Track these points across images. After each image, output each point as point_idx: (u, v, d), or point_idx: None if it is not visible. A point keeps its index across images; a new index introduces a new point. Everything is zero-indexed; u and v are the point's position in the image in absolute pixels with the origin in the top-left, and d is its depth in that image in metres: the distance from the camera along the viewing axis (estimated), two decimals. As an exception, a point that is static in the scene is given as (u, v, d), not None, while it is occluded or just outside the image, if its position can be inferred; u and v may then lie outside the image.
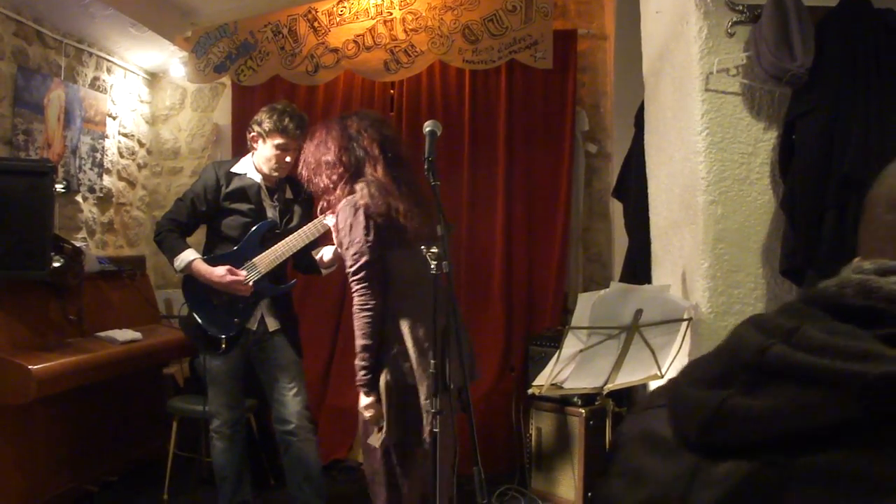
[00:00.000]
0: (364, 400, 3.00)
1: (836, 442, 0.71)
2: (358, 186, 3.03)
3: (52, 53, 5.17)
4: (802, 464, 0.72)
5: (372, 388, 2.98)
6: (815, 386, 0.73)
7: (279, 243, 3.64)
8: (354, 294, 2.98)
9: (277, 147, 3.64)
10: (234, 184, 3.69)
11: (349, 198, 3.04)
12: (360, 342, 2.97)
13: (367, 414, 3.02)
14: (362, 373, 2.98)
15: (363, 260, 2.95)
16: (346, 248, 3.00)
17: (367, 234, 2.94)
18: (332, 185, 3.14)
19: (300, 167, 3.29)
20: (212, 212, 3.69)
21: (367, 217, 2.94)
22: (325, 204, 3.26)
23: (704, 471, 0.79)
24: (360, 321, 2.96)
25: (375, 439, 3.06)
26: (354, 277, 2.97)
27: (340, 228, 3.05)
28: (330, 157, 3.15)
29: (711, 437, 0.80)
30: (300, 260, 3.81)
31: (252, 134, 3.70)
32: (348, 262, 3.00)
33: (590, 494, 2.94)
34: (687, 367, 0.94)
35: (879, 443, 0.69)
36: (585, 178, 5.49)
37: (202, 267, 3.59)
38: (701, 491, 0.79)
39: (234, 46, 5.71)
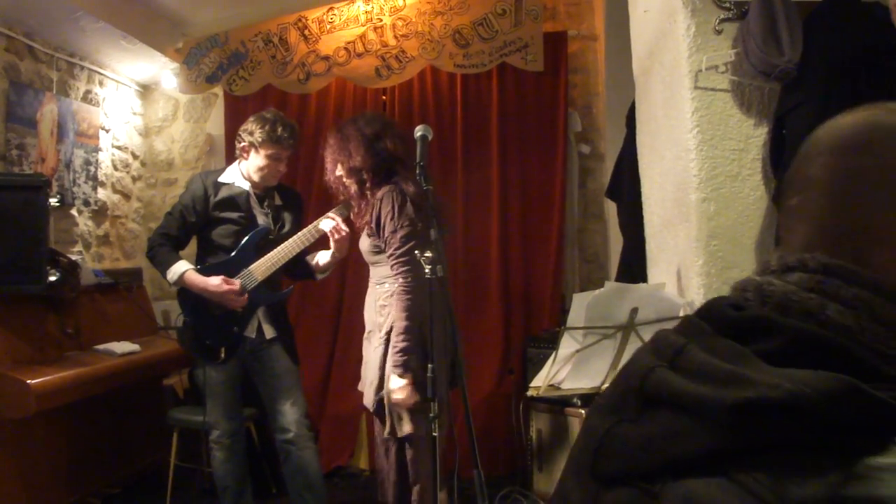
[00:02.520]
0: (398, 382, 3.01)
1: (701, 471, 0.70)
2: (394, 181, 3.11)
3: (43, 68, 5.17)
4: (669, 493, 0.72)
5: (407, 370, 2.99)
6: (684, 413, 0.73)
7: (274, 250, 3.63)
8: (399, 276, 3.05)
9: (269, 157, 3.63)
10: (223, 193, 3.68)
11: (391, 185, 3.10)
12: (402, 323, 3.01)
13: (400, 396, 3.00)
14: (400, 354, 3.00)
15: (411, 244, 3.01)
16: (393, 232, 3.06)
17: (414, 218, 2.96)
18: (363, 189, 3.21)
19: (326, 175, 3.35)
20: (202, 222, 3.68)
21: (413, 203, 2.96)
22: (357, 209, 3.30)
23: (601, 499, 0.80)
24: (404, 302, 3.02)
25: (408, 426, 3.08)
26: (401, 259, 3.04)
27: (385, 214, 3.08)
28: (356, 163, 3.19)
29: (599, 466, 0.81)
30: (294, 266, 3.80)
31: (242, 144, 3.69)
32: (395, 244, 3.05)
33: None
34: (609, 386, 0.93)
35: (733, 471, 0.68)
36: (579, 179, 5.50)
37: (195, 277, 3.57)
38: None
39: (226, 56, 5.72)
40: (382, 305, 3.21)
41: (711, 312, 0.84)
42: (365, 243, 3.28)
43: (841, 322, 0.75)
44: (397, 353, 3.01)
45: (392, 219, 3.07)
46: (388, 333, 3.13)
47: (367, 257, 3.29)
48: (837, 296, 0.77)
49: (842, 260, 0.79)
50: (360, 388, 3.38)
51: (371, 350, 3.24)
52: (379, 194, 3.14)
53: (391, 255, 3.09)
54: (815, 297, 0.77)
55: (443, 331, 2.75)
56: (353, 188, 3.26)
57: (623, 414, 0.80)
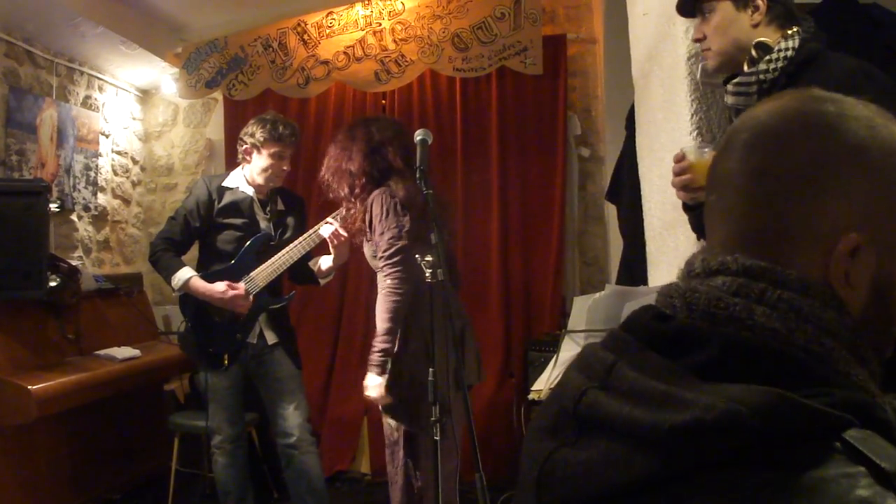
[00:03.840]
0: (374, 380, 3.05)
1: (643, 496, 0.68)
2: (385, 184, 3.13)
3: (43, 73, 5.18)
4: None
5: (384, 369, 3.03)
6: (619, 438, 0.70)
7: (276, 255, 3.64)
8: (386, 277, 3.06)
9: (273, 156, 3.64)
10: (227, 198, 3.68)
11: (382, 189, 3.12)
12: (384, 325, 3.03)
13: (375, 393, 3.06)
14: (379, 354, 3.03)
15: (399, 244, 3.03)
16: (381, 234, 3.08)
17: (402, 221, 2.97)
18: (352, 195, 3.22)
19: (322, 171, 3.36)
20: (205, 227, 3.68)
21: (403, 206, 2.97)
22: (343, 211, 3.32)
23: None
24: (388, 303, 3.04)
25: (395, 429, 3.14)
26: (388, 261, 3.05)
27: (374, 216, 3.10)
28: (354, 167, 3.21)
29: (543, 495, 0.78)
30: (297, 272, 3.81)
31: (245, 147, 3.70)
32: (383, 246, 3.07)
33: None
34: (542, 405, 0.90)
35: (675, 495, 0.66)
36: (579, 182, 5.50)
37: (200, 284, 3.57)
38: None
39: (225, 61, 5.72)
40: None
41: (637, 325, 0.81)
42: (367, 251, 3.28)
43: (769, 326, 0.73)
44: (377, 352, 3.04)
45: (381, 221, 3.09)
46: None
47: (372, 264, 3.29)
48: (762, 299, 0.74)
49: (764, 261, 0.77)
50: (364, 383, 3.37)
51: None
52: (370, 198, 3.15)
53: (380, 256, 3.10)
54: (740, 301, 0.75)
55: (444, 335, 2.75)
56: (344, 190, 3.26)
57: (561, 438, 0.77)
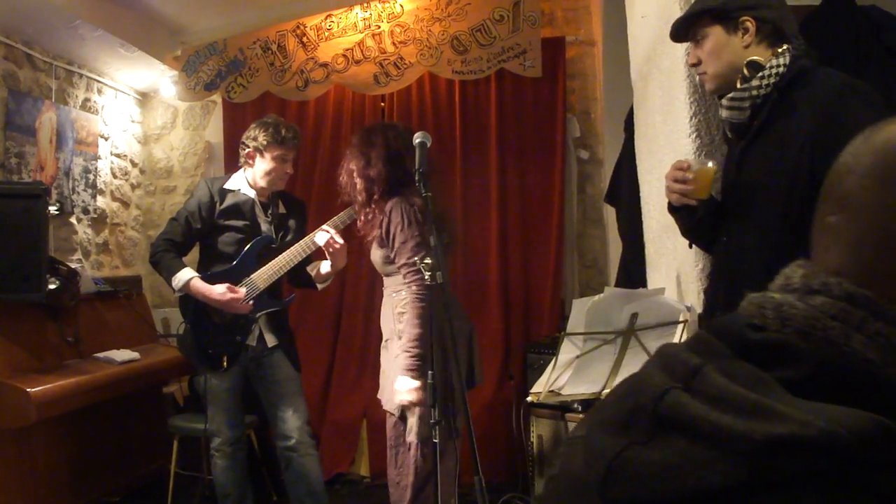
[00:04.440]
0: (411, 383, 3.07)
1: (718, 502, 0.66)
2: (403, 193, 3.18)
3: (42, 76, 5.18)
4: None
5: (420, 374, 3.05)
6: (702, 442, 0.69)
7: (277, 258, 3.64)
8: (412, 284, 3.12)
9: (276, 159, 3.66)
10: (229, 200, 3.69)
11: (399, 197, 3.17)
12: (415, 330, 3.09)
13: (413, 397, 3.08)
14: (415, 359, 3.07)
15: (422, 252, 3.04)
16: (404, 243, 3.13)
17: (423, 229, 2.99)
18: (370, 200, 3.27)
19: (341, 175, 3.38)
20: (207, 229, 3.68)
21: (423, 215, 2.99)
22: (363, 216, 3.35)
23: None
24: (417, 310, 3.10)
25: (413, 434, 3.14)
26: (412, 269, 3.09)
27: (394, 224, 3.15)
28: (373, 173, 3.26)
29: (609, 490, 0.76)
30: (296, 275, 3.82)
31: (247, 150, 3.70)
32: (406, 254, 3.11)
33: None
34: (605, 398, 0.89)
35: None
36: (578, 185, 5.50)
37: (201, 285, 3.58)
38: None
39: (224, 64, 5.73)
40: (401, 313, 3.24)
41: (728, 332, 0.79)
42: (377, 255, 3.31)
43: (865, 355, 0.71)
44: (412, 357, 3.08)
45: (402, 230, 3.14)
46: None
47: (381, 268, 3.33)
48: (861, 327, 0.72)
49: (870, 292, 0.74)
50: (378, 395, 3.39)
51: (391, 358, 3.25)
52: (388, 206, 3.19)
53: (403, 264, 3.15)
54: (838, 325, 0.73)
55: (449, 337, 2.78)
56: (362, 195, 3.30)
57: (633, 436, 0.75)
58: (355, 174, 3.32)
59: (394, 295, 3.27)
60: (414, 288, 3.12)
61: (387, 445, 3.31)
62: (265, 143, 3.65)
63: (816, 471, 0.64)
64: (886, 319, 0.73)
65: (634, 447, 0.74)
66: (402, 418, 3.21)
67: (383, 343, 3.37)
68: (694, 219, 2.34)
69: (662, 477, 0.70)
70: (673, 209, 2.39)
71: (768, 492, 0.65)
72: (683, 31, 2.30)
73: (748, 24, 2.14)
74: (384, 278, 3.36)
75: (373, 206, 3.28)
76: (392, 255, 3.21)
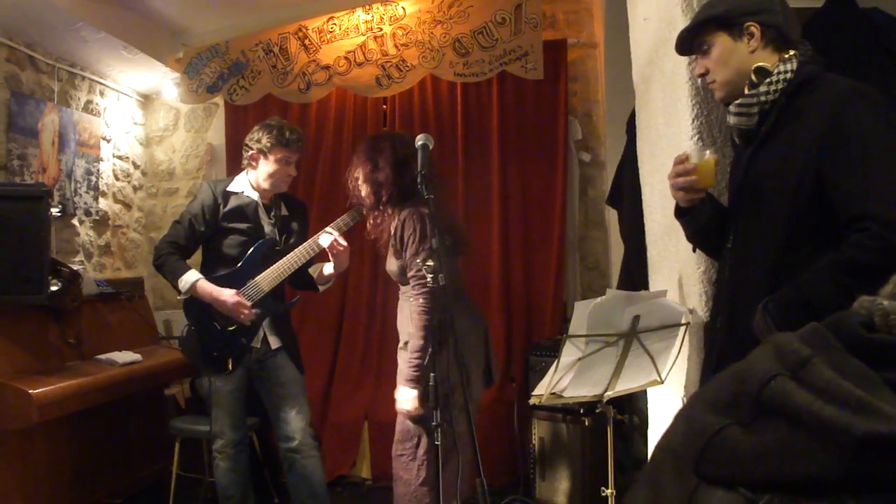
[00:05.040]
0: (409, 393, 3.19)
1: (809, 492, 0.68)
2: (410, 204, 3.27)
3: (44, 78, 5.18)
4: None
5: (419, 383, 3.16)
6: (803, 431, 0.70)
7: (281, 261, 3.64)
8: (419, 296, 3.20)
9: (279, 161, 3.66)
10: (232, 202, 3.69)
11: (412, 209, 3.25)
12: (418, 342, 3.18)
13: (409, 406, 3.19)
14: (414, 370, 3.18)
15: (431, 265, 3.08)
16: (415, 254, 3.21)
17: (433, 242, 3.02)
18: (379, 204, 3.35)
19: (349, 179, 3.47)
20: (210, 232, 3.68)
21: (433, 226, 3.01)
22: (372, 220, 3.44)
23: (701, 496, 0.77)
24: (421, 321, 3.18)
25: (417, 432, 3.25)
26: (421, 281, 3.16)
27: (407, 236, 3.24)
28: (381, 177, 3.33)
29: (704, 465, 0.78)
30: (298, 277, 3.82)
31: (251, 152, 3.70)
32: (416, 267, 3.19)
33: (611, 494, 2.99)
34: (713, 380, 0.89)
35: (844, 501, 0.66)
36: (580, 187, 5.50)
37: (208, 286, 3.58)
38: None
39: (226, 66, 5.73)
40: (407, 317, 3.31)
41: (840, 327, 0.79)
42: (393, 265, 3.38)
43: None
44: (412, 367, 3.17)
45: (413, 242, 3.22)
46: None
47: (398, 279, 3.40)
48: None
49: None
50: (396, 395, 3.42)
51: (403, 360, 3.30)
52: (402, 216, 3.26)
53: (413, 275, 3.23)
54: None
55: (451, 340, 2.81)
56: (370, 199, 3.37)
57: (735, 416, 0.77)
58: (361, 179, 3.39)
59: (411, 300, 3.30)
60: (421, 300, 3.19)
61: (394, 442, 3.36)
62: (269, 145, 3.65)
63: None
64: None
65: (734, 427, 0.76)
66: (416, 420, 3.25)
67: (400, 345, 3.40)
68: (699, 223, 2.34)
69: (758, 460, 0.72)
70: (679, 213, 2.39)
71: (864, 489, 0.65)
72: (688, 42, 2.32)
73: (753, 29, 2.15)
74: (388, 285, 3.41)
75: (381, 209, 3.35)
76: (405, 265, 3.29)
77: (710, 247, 2.48)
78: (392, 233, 3.30)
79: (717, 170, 2.27)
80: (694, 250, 2.56)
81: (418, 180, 2.82)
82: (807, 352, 0.76)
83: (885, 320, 0.77)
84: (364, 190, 3.39)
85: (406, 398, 3.20)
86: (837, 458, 0.66)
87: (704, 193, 2.30)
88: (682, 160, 2.25)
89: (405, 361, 3.26)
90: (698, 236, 2.43)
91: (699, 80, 2.54)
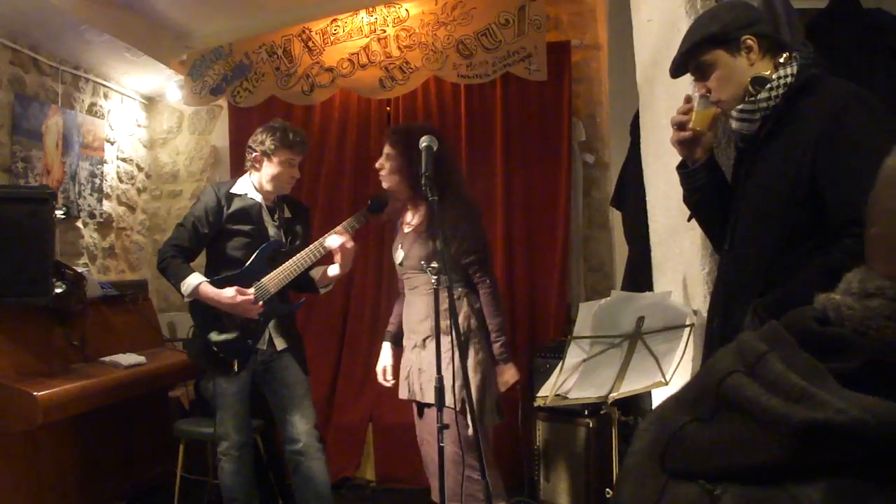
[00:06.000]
0: (513, 369, 3.38)
1: (760, 480, 0.72)
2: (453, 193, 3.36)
3: (48, 80, 5.19)
4: (728, 497, 0.74)
5: (511, 356, 3.41)
6: (753, 423, 0.74)
7: (287, 262, 3.64)
8: (489, 280, 3.41)
9: (283, 163, 3.66)
10: (236, 204, 3.69)
11: (459, 200, 3.38)
12: (499, 319, 3.39)
13: (515, 377, 3.41)
14: (506, 347, 3.38)
15: (487, 251, 3.45)
16: (470, 245, 3.38)
17: (438, 243, 3.06)
18: (417, 196, 3.43)
19: (384, 171, 3.49)
20: (214, 234, 3.68)
21: (438, 228, 3.03)
22: (406, 210, 3.56)
23: (668, 490, 0.82)
24: (498, 300, 3.42)
25: (490, 419, 3.41)
26: (486, 266, 3.42)
27: (459, 226, 3.35)
28: (421, 169, 3.29)
29: (668, 459, 0.83)
30: (298, 281, 3.81)
31: (254, 154, 3.70)
32: (474, 256, 3.38)
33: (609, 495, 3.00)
34: (690, 380, 0.95)
35: (790, 486, 0.70)
36: (584, 188, 5.50)
37: (210, 290, 3.57)
38: None
39: (230, 68, 5.74)
40: (445, 309, 3.26)
41: (796, 322, 0.84)
42: (421, 251, 3.39)
43: None
44: (502, 345, 3.36)
45: (469, 233, 3.37)
46: (466, 334, 3.33)
47: (422, 265, 3.35)
48: None
49: None
50: (408, 396, 3.47)
51: (430, 355, 3.25)
52: (448, 207, 3.29)
53: (471, 261, 3.38)
54: (892, 324, 0.77)
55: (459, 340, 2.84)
56: (407, 191, 3.46)
57: (698, 412, 0.82)
58: (397, 170, 3.44)
59: (450, 289, 3.30)
60: (489, 283, 3.39)
61: (426, 434, 3.40)
62: (273, 147, 3.65)
63: (846, 459, 0.68)
64: None
65: (696, 423, 0.81)
66: (463, 411, 3.24)
67: (419, 343, 3.43)
68: (695, 182, 2.35)
69: (714, 452, 0.77)
70: (680, 165, 2.43)
71: (806, 473, 0.70)
72: (684, 67, 2.32)
73: (750, 42, 2.16)
74: (415, 276, 3.45)
75: (419, 201, 3.44)
76: (457, 254, 3.36)
77: (704, 218, 2.48)
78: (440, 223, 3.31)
79: (713, 122, 2.31)
80: (689, 219, 2.56)
81: (423, 182, 2.82)
82: (763, 348, 0.80)
83: (837, 314, 0.81)
84: (399, 182, 3.44)
85: (511, 372, 3.38)
86: (780, 445, 0.70)
87: (700, 151, 2.31)
88: (687, 100, 2.32)
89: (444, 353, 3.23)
90: (693, 199, 2.43)
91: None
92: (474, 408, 3.17)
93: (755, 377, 0.77)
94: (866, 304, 0.80)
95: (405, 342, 3.54)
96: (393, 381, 3.61)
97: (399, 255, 3.51)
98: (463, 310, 3.36)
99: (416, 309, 3.46)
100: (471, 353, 3.31)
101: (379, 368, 3.68)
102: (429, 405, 3.32)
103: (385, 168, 3.49)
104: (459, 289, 3.37)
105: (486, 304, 3.38)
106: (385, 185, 3.53)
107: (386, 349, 3.73)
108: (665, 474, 0.83)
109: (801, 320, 0.84)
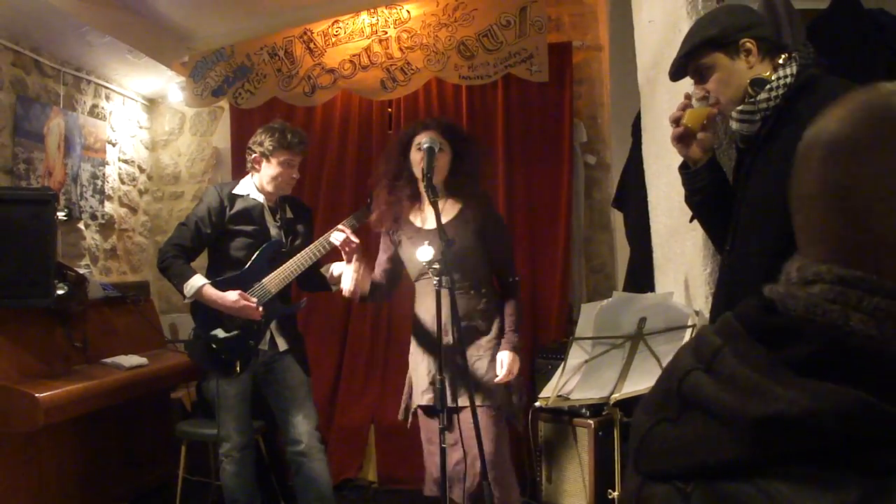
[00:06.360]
0: (516, 357, 3.29)
1: (729, 476, 0.72)
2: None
3: (50, 82, 5.20)
4: (699, 495, 0.74)
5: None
6: (714, 420, 0.74)
7: (287, 263, 3.65)
8: (518, 280, 3.43)
9: (282, 164, 3.67)
10: (238, 205, 3.70)
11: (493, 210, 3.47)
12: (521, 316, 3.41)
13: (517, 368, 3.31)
14: (519, 340, 3.35)
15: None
16: (510, 246, 3.58)
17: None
18: (449, 191, 3.38)
19: (418, 147, 3.34)
20: (216, 234, 3.69)
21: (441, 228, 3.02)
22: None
23: (644, 490, 0.82)
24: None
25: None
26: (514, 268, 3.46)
27: (506, 232, 3.54)
28: (459, 165, 3.39)
29: (639, 462, 0.83)
30: (308, 279, 3.82)
31: (254, 155, 3.71)
32: (511, 256, 3.52)
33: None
34: (657, 380, 0.94)
35: (757, 480, 0.70)
36: (585, 190, 5.50)
37: (213, 292, 3.57)
38: None
39: (231, 70, 5.74)
40: (484, 310, 3.32)
41: (745, 314, 0.84)
42: (476, 242, 3.34)
43: (865, 332, 0.74)
44: (518, 338, 3.32)
45: (508, 243, 3.56)
46: (497, 336, 3.32)
47: (468, 261, 3.31)
48: (859, 306, 0.75)
49: (861, 271, 0.77)
50: (458, 402, 3.20)
51: (483, 353, 3.28)
52: (490, 209, 3.41)
53: (510, 264, 3.46)
54: (837, 308, 0.76)
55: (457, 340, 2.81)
56: (444, 186, 3.37)
57: (664, 413, 0.82)
58: (449, 160, 3.35)
59: (482, 290, 3.33)
60: (517, 281, 3.42)
61: (487, 441, 3.18)
62: (271, 147, 3.66)
63: (806, 448, 0.68)
64: (882, 294, 0.76)
65: (662, 424, 0.81)
66: (499, 409, 3.23)
67: (482, 353, 3.31)
68: (696, 183, 2.35)
69: (680, 451, 0.77)
70: (681, 165, 2.42)
71: (770, 466, 0.70)
72: (683, 71, 2.32)
73: (749, 45, 2.16)
74: (451, 275, 3.32)
75: (447, 197, 3.37)
76: (502, 255, 3.41)
77: (706, 219, 2.48)
78: (481, 219, 3.33)
79: (706, 122, 2.30)
80: (691, 220, 2.56)
81: (424, 183, 2.82)
82: (718, 342, 0.81)
83: (783, 304, 0.81)
84: (445, 171, 3.33)
85: (516, 362, 3.27)
86: (740, 441, 0.71)
87: (701, 151, 2.32)
88: (686, 97, 2.33)
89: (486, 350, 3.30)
90: (695, 200, 2.43)
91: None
92: (514, 408, 3.25)
93: (711, 373, 0.78)
94: (808, 291, 0.79)
95: (422, 344, 3.40)
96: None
97: (427, 252, 3.12)
98: (495, 311, 3.35)
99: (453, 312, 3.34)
100: (510, 353, 3.24)
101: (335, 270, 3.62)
102: (458, 408, 3.17)
103: (437, 160, 3.30)
104: (484, 290, 3.34)
105: (518, 301, 3.37)
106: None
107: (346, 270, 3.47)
108: (639, 476, 0.84)
109: (750, 311, 0.84)
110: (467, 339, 3.24)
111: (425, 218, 3.39)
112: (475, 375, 3.20)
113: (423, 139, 3.16)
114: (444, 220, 3.31)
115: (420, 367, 3.34)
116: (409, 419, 3.41)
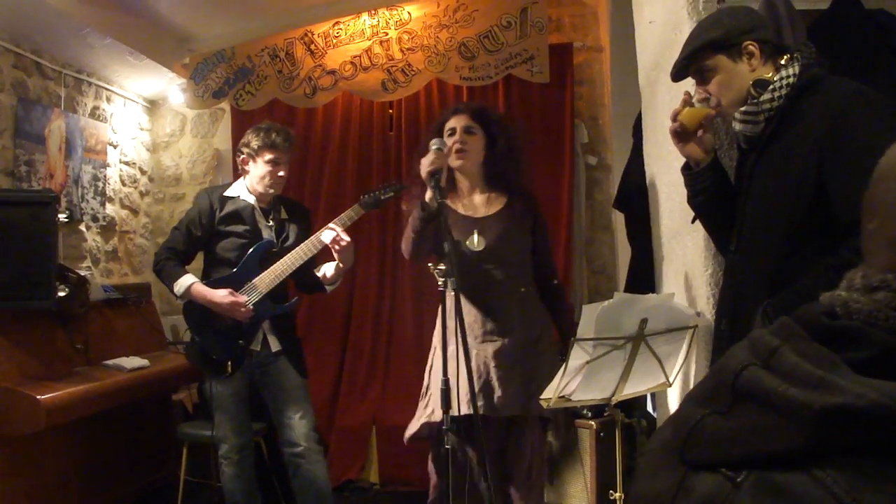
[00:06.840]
0: None
1: (782, 465, 0.74)
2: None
3: (51, 84, 5.20)
4: (751, 483, 0.76)
5: None
6: (772, 411, 0.76)
7: (278, 262, 3.64)
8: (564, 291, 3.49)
9: (268, 163, 3.67)
10: (228, 207, 3.70)
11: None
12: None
13: None
14: None
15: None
16: (551, 254, 3.56)
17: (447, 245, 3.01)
18: (485, 179, 3.40)
19: (469, 147, 3.32)
20: (207, 236, 3.70)
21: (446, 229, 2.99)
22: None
23: (688, 481, 0.84)
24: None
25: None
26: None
27: (546, 231, 3.55)
28: (495, 156, 3.41)
29: (688, 452, 0.85)
30: (303, 279, 3.81)
31: (242, 157, 3.75)
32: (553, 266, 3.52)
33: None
34: (703, 378, 0.97)
35: (813, 469, 0.72)
36: (586, 191, 5.49)
37: (202, 289, 3.60)
38: (681, 501, 0.84)
39: (232, 71, 5.74)
40: (534, 311, 3.33)
41: (806, 318, 0.86)
42: (522, 242, 3.36)
43: None
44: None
45: (547, 233, 3.54)
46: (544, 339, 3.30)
47: (516, 258, 3.32)
48: None
49: None
50: (502, 407, 3.14)
51: (541, 354, 3.26)
52: (538, 211, 3.46)
53: (553, 265, 3.52)
54: None
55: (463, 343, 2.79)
56: (480, 173, 3.39)
57: (715, 406, 0.84)
58: (483, 146, 3.34)
59: (530, 289, 3.33)
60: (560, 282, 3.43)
61: (529, 453, 3.23)
62: (257, 147, 3.68)
63: (871, 440, 0.71)
64: None
65: (714, 416, 0.83)
66: (543, 420, 3.24)
67: (527, 344, 3.26)
68: (698, 185, 2.35)
69: (734, 441, 0.79)
70: (684, 167, 2.42)
71: (828, 457, 0.72)
72: (684, 71, 2.32)
73: (752, 48, 2.16)
74: (496, 270, 3.25)
75: (485, 185, 3.38)
76: (547, 255, 3.45)
77: (708, 220, 2.47)
78: (528, 217, 3.37)
79: (703, 122, 2.31)
80: (693, 221, 2.56)
81: (432, 184, 2.82)
82: (776, 342, 0.83)
83: (844, 308, 0.84)
84: (480, 158, 3.32)
85: None
86: (801, 431, 0.73)
87: (702, 152, 2.33)
88: (687, 95, 2.35)
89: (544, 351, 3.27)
90: (697, 201, 2.42)
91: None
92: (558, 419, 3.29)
93: (770, 370, 0.80)
94: (872, 298, 0.82)
95: (459, 348, 2.99)
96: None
97: (475, 239, 3.14)
98: (542, 315, 3.34)
99: (501, 311, 3.23)
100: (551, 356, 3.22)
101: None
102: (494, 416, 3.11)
103: (468, 144, 3.28)
104: (532, 289, 3.34)
105: (565, 301, 3.40)
106: (461, 162, 3.29)
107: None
108: (683, 467, 0.85)
109: (811, 315, 0.86)
110: (521, 343, 3.21)
111: (467, 205, 3.36)
112: (531, 380, 3.17)
113: (452, 124, 3.16)
114: (486, 212, 3.31)
115: (461, 374, 2.94)
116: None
